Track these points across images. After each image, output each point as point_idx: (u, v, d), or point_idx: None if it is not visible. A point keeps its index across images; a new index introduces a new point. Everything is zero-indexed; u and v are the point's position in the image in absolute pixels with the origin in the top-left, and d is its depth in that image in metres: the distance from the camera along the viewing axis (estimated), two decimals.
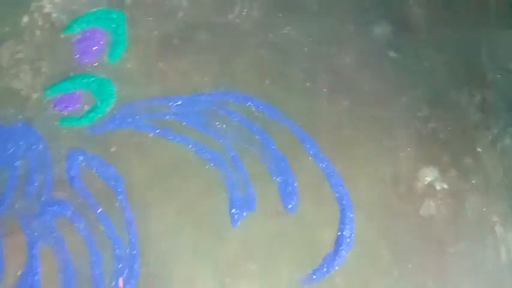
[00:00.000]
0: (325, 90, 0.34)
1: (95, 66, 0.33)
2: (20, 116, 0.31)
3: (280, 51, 0.35)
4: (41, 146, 0.31)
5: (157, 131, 0.32)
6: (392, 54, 0.36)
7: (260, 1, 0.36)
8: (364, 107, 0.34)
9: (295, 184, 0.32)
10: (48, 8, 0.35)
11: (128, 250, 0.29)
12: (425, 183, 0.33)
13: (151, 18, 0.35)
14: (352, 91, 0.34)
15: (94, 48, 0.34)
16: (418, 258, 0.31)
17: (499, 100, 0.36)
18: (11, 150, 0.30)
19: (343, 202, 0.31)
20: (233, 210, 0.30)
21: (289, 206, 0.31)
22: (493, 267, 0.31)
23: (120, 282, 0.28)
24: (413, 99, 0.35)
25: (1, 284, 0.27)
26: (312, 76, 0.35)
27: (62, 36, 0.34)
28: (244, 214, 0.31)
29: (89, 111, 0.32)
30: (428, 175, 0.33)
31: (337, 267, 0.30)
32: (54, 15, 0.34)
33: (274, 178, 0.32)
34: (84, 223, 0.29)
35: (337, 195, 0.32)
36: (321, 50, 0.35)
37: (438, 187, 0.33)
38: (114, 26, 0.34)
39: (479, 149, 0.34)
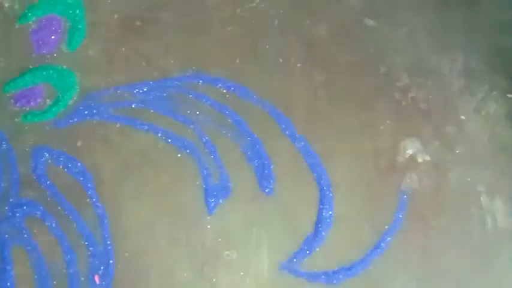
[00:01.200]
0: (299, 65, 0.33)
1: (55, 56, 0.32)
2: None
3: (250, 27, 0.34)
4: (4, 145, 0.30)
5: (123, 121, 0.31)
6: (368, 21, 0.35)
7: None
8: (340, 80, 0.33)
9: (271, 167, 0.31)
10: None
11: (102, 246, 0.29)
12: (407, 156, 0.32)
13: (110, 1, 0.34)
14: (327, 64, 0.33)
15: (52, 38, 0.33)
16: (402, 233, 0.31)
17: (482, 63, 0.35)
18: None
19: (322, 182, 0.31)
20: (209, 198, 0.30)
21: (267, 190, 0.31)
22: (479, 237, 0.31)
23: (97, 279, 0.28)
24: (392, 68, 0.34)
25: None
26: (284, 51, 0.34)
27: (17, 26, 0.33)
28: (221, 201, 0.30)
29: (52, 105, 0.31)
30: (410, 147, 0.32)
31: (317, 249, 0.30)
32: (6, 4, 0.33)
33: (249, 162, 0.31)
34: (55, 222, 0.29)
35: (315, 175, 0.31)
36: (293, 23, 0.34)
37: (420, 159, 0.32)
38: (71, 12, 0.33)
39: (463, 117, 0.33)
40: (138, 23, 0.34)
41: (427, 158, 0.32)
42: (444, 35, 0.35)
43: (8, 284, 0.27)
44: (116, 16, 0.34)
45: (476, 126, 0.33)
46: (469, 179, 0.32)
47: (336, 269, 0.30)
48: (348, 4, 0.35)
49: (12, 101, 0.31)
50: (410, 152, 0.32)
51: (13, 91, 0.31)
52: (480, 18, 0.36)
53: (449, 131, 0.33)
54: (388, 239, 0.30)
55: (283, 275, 0.29)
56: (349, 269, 0.30)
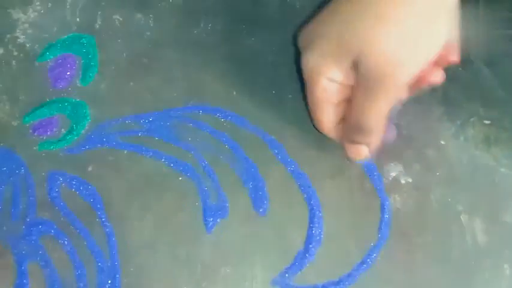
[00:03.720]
0: (290, 96, 0.38)
1: (69, 90, 0.37)
2: (2, 144, 0.35)
3: (246, 62, 0.39)
4: (23, 171, 0.34)
5: (130, 148, 0.35)
6: None
7: (223, 15, 0.40)
8: None
9: (265, 188, 0.35)
10: (21, 39, 0.38)
11: (109, 262, 0.32)
12: (390, 178, 0.36)
13: (120, 40, 0.39)
14: None
15: (67, 74, 0.37)
16: (387, 250, 0.34)
17: (460, 92, 0.39)
18: None
19: (312, 202, 0.35)
20: (207, 218, 0.34)
21: (260, 210, 0.34)
22: (460, 254, 0.34)
23: None
24: None
25: None
26: (277, 84, 0.38)
27: (37, 64, 0.38)
28: (218, 221, 0.34)
29: (66, 134, 0.35)
30: (393, 170, 0.36)
31: (308, 264, 0.33)
32: (28, 45, 0.38)
33: (245, 184, 0.35)
34: (67, 239, 0.33)
35: (305, 196, 0.35)
36: (284, 58, 0.39)
37: (403, 181, 0.36)
38: (84, 50, 0.38)
39: (442, 142, 0.37)
40: (144, 60, 0.38)
41: (409, 180, 0.36)
42: None
43: None
44: (124, 54, 0.38)
45: (455, 150, 0.37)
46: (449, 199, 0.35)
47: (324, 282, 0.33)
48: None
49: (30, 130, 0.36)
50: (393, 174, 0.36)
51: (32, 122, 0.36)
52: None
53: (430, 155, 0.37)
54: (374, 255, 0.34)
55: None
56: (338, 283, 0.33)
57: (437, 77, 0.32)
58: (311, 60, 0.31)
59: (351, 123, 0.31)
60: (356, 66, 0.29)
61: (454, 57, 0.32)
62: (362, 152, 0.33)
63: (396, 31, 0.28)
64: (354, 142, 0.33)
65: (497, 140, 0.37)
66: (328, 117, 0.33)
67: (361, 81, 0.29)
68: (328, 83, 0.31)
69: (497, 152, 0.37)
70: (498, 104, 0.38)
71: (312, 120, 0.34)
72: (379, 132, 0.32)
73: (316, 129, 0.35)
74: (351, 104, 0.31)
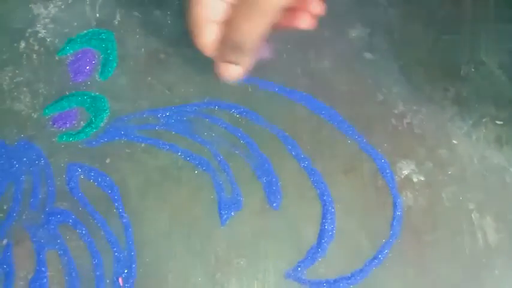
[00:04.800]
0: (304, 94, 0.39)
1: (89, 84, 0.38)
2: (22, 135, 0.36)
3: (260, 60, 0.39)
4: (42, 162, 0.35)
5: (148, 141, 0.36)
6: (368, 55, 0.40)
7: None
8: (342, 108, 0.38)
9: (278, 184, 0.36)
10: (42, 33, 0.39)
11: (126, 252, 0.33)
12: (403, 176, 0.36)
13: (138, 36, 0.40)
14: (329, 93, 0.39)
15: (87, 68, 0.38)
16: (398, 246, 0.35)
17: (473, 93, 0.39)
18: (16, 167, 0.35)
19: (324, 198, 0.35)
20: (222, 211, 0.35)
21: (274, 204, 0.35)
22: (470, 252, 0.35)
23: (120, 281, 0.32)
24: (389, 97, 0.39)
25: (14, 287, 0.32)
26: (291, 81, 0.39)
27: (57, 58, 0.39)
28: (232, 214, 0.35)
29: (85, 127, 0.36)
30: (405, 168, 0.37)
31: (320, 259, 0.34)
32: (48, 39, 0.39)
33: (259, 179, 0.36)
34: (85, 229, 0.34)
35: (318, 191, 0.36)
36: (299, 56, 0.40)
37: (415, 179, 0.36)
38: (104, 45, 0.39)
39: (454, 141, 0.38)
40: (162, 56, 0.39)
41: (422, 178, 0.37)
42: (437, 67, 0.40)
43: (43, 282, 0.32)
44: (142, 50, 0.39)
45: (467, 150, 0.38)
46: (460, 198, 0.36)
47: (337, 277, 0.34)
48: (349, 40, 0.41)
49: (50, 122, 0.37)
50: (405, 172, 0.37)
51: (51, 114, 0.37)
52: (471, 51, 0.41)
53: (442, 154, 0.37)
54: (386, 251, 0.34)
55: (288, 282, 0.33)
56: (349, 277, 0.33)
57: (305, 22, 0.33)
58: None
59: (227, 42, 0.32)
60: None
61: (317, 9, 0.33)
62: (235, 71, 0.33)
63: None
64: (228, 61, 0.33)
65: (509, 140, 0.38)
66: (208, 36, 0.32)
67: (241, 0, 0.30)
68: (212, 0, 0.31)
69: (509, 151, 0.37)
70: (510, 104, 0.39)
71: (191, 36, 0.33)
72: (252, 52, 0.32)
73: (195, 46, 0.34)
74: (226, 21, 0.31)
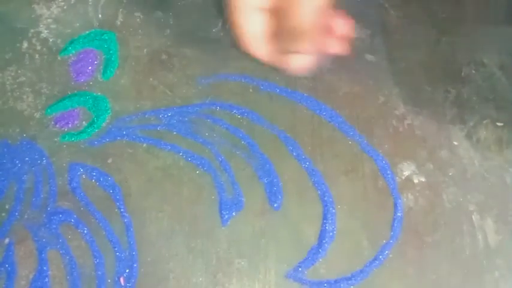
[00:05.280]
0: (305, 94, 0.39)
1: (91, 84, 0.38)
2: (25, 135, 0.36)
3: (262, 61, 0.40)
4: (44, 161, 0.36)
5: (149, 142, 0.36)
6: (369, 57, 0.40)
7: None
8: (343, 109, 0.38)
9: (280, 184, 0.36)
10: (45, 33, 0.40)
11: (127, 252, 0.33)
12: (403, 177, 0.37)
13: (140, 37, 0.40)
14: (331, 94, 0.39)
15: (89, 68, 0.38)
16: (399, 247, 0.35)
17: (473, 94, 0.40)
18: (18, 166, 0.35)
19: (325, 198, 0.35)
20: (223, 211, 0.35)
21: (275, 205, 0.35)
22: (471, 253, 0.35)
23: (122, 280, 0.33)
24: (390, 98, 0.39)
25: (15, 286, 0.32)
26: (292, 82, 0.39)
27: (59, 58, 0.39)
28: (233, 214, 0.35)
29: (87, 127, 0.37)
30: (406, 169, 0.37)
31: (321, 259, 0.34)
32: (51, 39, 0.39)
33: (260, 179, 0.36)
34: (87, 229, 0.34)
35: (319, 192, 0.36)
36: None
37: (416, 180, 0.37)
38: (106, 46, 0.39)
39: (455, 142, 0.38)
40: (164, 57, 0.39)
41: (422, 179, 0.37)
42: (437, 68, 0.40)
43: (44, 282, 0.32)
44: (145, 51, 0.40)
45: (468, 151, 0.38)
46: (461, 199, 0.36)
47: (337, 278, 0.34)
48: (351, 41, 0.41)
49: (52, 122, 0.37)
50: (406, 173, 0.37)
51: (54, 114, 0.37)
52: (472, 53, 0.41)
53: (443, 155, 0.38)
54: (386, 252, 0.35)
55: (289, 282, 0.33)
56: (350, 278, 0.34)
57: (335, 48, 0.32)
58: None
59: (283, 32, 0.29)
60: None
61: (344, 31, 0.32)
62: (303, 61, 0.31)
63: None
64: (292, 52, 0.31)
65: (510, 142, 0.38)
66: (252, 25, 0.30)
67: None
68: None
69: (509, 153, 0.37)
70: (511, 106, 0.39)
71: (235, 34, 0.31)
72: (312, 35, 0.29)
73: (244, 49, 0.32)
74: (278, 11, 0.29)
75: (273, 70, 0.39)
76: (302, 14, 0.28)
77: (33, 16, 0.40)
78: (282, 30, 0.29)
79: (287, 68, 0.31)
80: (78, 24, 0.40)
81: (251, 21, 0.30)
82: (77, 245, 0.33)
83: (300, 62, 0.31)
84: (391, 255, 0.34)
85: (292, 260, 0.34)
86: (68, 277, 0.33)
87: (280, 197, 0.35)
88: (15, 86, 0.38)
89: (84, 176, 0.35)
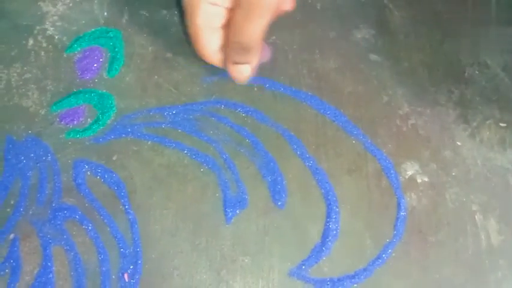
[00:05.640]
0: (309, 93, 0.39)
1: (96, 81, 0.38)
2: (30, 131, 0.36)
3: (263, 61, 0.40)
4: (49, 158, 0.36)
5: (154, 139, 0.36)
6: (373, 56, 0.41)
7: None
8: (347, 108, 0.38)
9: (284, 182, 0.36)
10: (50, 31, 0.40)
11: (131, 248, 0.33)
12: (407, 177, 0.37)
13: (145, 35, 0.40)
14: (335, 93, 0.39)
15: (94, 66, 0.39)
16: (402, 246, 0.35)
17: (477, 95, 0.40)
18: (23, 162, 0.35)
19: (329, 197, 0.36)
20: (227, 209, 0.35)
21: (279, 203, 0.35)
22: (474, 253, 0.35)
23: (126, 277, 0.33)
24: (394, 98, 0.39)
25: (20, 281, 0.32)
26: (296, 81, 0.39)
27: (65, 56, 0.39)
28: (237, 212, 0.35)
29: (92, 124, 0.37)
30: (409, 169, 0.37)
31: (324, 257, 0.34)
32: (57, 36, 0.40)
33: (264, 177, 0.36)
34: (91, 225, 0.34)
35: (323, 191, 0.36)
36: (305, 56, 0.40)
37: (419, 180, 0.37)
38: (111, 44, 0.39)
39: (458, 143, 0.38)
40: (168, 55, 0.40)
41: (425, 179, 0.37)
42: (441, 69, 0.40)
43: (49, 277, 0.32)
44: (150, 48, 0.40)
45: (471, 152, 0.38)
46: (464, 199, 0.36)
47: (340, 276, 0.34)
48: (355, 41, 0.41)
49: (57, 119, 0.37)
50: (409, 173, 0.37)
51: (59, 111, 0.37)
52: (475, 54, 0.41)
53: (446, 155, 0.38)
54: (389, 251, 0.35)
55: (292, 280, 0.33)
56: (353, 277, 0.34)
57: (287, 4, 0.34)
58: None
59: (232, 45, 0.33)
60: None
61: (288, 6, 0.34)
62: (245, 70, 0.35)
63: None
64: (236, 63, 0.34)
65: None
66: (211, 44, 0.34)
67: (240, 3, 0.30)
68: (209, 7, 0.33)
69: None
70: None
71: (194, 47, 0.35)
72: (258, 50, 0.33)
73: (200, 56, 0.36)
74: (230, 26, 0.32)
75: (278, 69, 0.39)
76: (250, 31, 0.31)
77: (39, 13, 0.40)
78: (232, 43, 0.33)
79: (232, 76, 0.35)
80: (83, 22, 0.40)
81: (209, 41, 0.34)
82: (81, 241, 0.33)
83: (245, 71, 0.35)
84: (394, 254, 0.35)
85: (296, 258, 0.34)
86: (72, 273, 0.33)
87: (284, 195, 0.36)
88: (21, 82, 0.38)
89: (89, 173, 0.35)
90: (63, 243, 0.33)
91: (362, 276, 0.34)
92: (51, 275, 0.32)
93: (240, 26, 0.31)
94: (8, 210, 0.34)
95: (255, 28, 0.31)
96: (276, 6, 0.30)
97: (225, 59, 0.35)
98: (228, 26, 0.33)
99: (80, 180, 0.35)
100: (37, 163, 0.35)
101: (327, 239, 0.35)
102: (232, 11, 0.32)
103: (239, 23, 0.31)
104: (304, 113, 0.38)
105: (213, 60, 0.35)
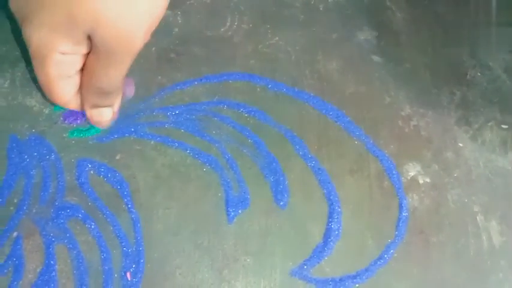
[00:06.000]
0: (312, 94, 0.39)
1: None
2: (33, 130, 0.37)
3: (270, 60, 0.40)
4: (53, 156, 0.36)
5: (157, 139, 0.37)
6: (375, 58, 0.41)
7: (249, 14, 0.42)
8: (349, 109, 0.39)
9: (286, 183, 0.36)
10: None
11: (134, 247, 0.34)
12: (409, 177, 0.37)
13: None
14: (337, 94, 0.39)
15: None
16: (404, 247, 0.35)
17: (479, 97, 0.40)
18: (27, 161, 0.35)
19: (331, 198, 0.36)
20: (229, 209, 0.35)
21: (281, 203, 0.35)
22: (475, 254, 0.35)
23: (128, 275, 0.33)
24: (396, 99, 0.39)
25: (23, 279, 0.32)
26: (299, 82, 0.39)
27: None
28: (240, 212, 0.35)
29: None
30: (411, 170, 0.37)
31: (326, 257, 0.34)
32: None
33: (266, 178, 0.36)
34: (94, 224, 0.34)
35: (325, 191, 0.36)
36: (308, 57, 0.40)
37: (421, 181, 0.37)
38: None
39: (460, 144, 0.38)
40: (172, 55, 0.40)
41: (427, 180, 0.37)
42: (443, 71, 0.41)
43: (51, 276, 0.32)
44: (153, 49, 0.40)
45: (473, 153, 0.38)
46: (465, 200, 0.37)
47: (342, 276, 0.34)
48: (357, 42, 0.41)
49: (61, 118, 0.37)
50: (411, 174, 0.37)
51: (62, 110, 0.37)
52: (477, 56, 0.41)
53: (448, 157, 0.38)
54: (391, 251, 0.35)
55: (294, 280, 0.33)
56: (355, 276, 0.34)
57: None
58: (38, 36, 0.27)
59: (90, 90, 0.31)
60: (89, 36, 0.27)
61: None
62: (106, 114, 0.34)
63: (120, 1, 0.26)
64: (96, 106, 0.33)
65: None
66: (66, 92, 0.31)
67: (98, 50, 0.28)
68: (61, 56, 0.29)
69: None
70: None
71: (47, 96, 0.32)
72: (120, 92, 0.33)
73: (52, 102, 0.33)
74: (86, 71, 0.30)
75: (280, 70, 0.40)
76: (111, 76, 0.30)
77: None
78: (90, 88, 0.31)
79: (92, 120, 0.34)
80: None
81: (63, 89, 0.31)
82: (84, 240, 0.34)
83: (106, 114, 0.34)
84: (396, 255, 0.35)
85: (298, 258, 0.34)
86: (74, 271, 0.33)
87: (286, 195, 0.36)
88: (25, 82, 0.38)
89: (92, 172, 0.35)
90: (66, 241, 0.33)
91: (364, 277, 0.34)
92: (54, 273, 0.32)
93: (98, 71, 0.29)
94: (11, 208, 0.34)
95: (114, 73, 0.29)
96: (137, 50, 0.29)
97: (83, 102, 0.33)
98: (85, 70, 0.30)
99: (83, 179, 0.35)
100: (40, 162, 0.36)
101: (329, 239, 0.35)
102: (88, 55, 0.29)
103: (97, 69, 0.29)
104: (306, 114, 0.38)
105: (71, 106, 0.33)
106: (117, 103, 0.34)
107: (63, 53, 0.28)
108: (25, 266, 0.32)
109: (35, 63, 0.29)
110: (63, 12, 0.26)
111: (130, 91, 0.37)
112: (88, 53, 0.29)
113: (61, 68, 0.29)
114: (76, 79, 0.31)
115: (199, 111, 0.38)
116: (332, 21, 0.42)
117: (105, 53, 0.28)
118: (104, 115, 0.34)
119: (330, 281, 0.34)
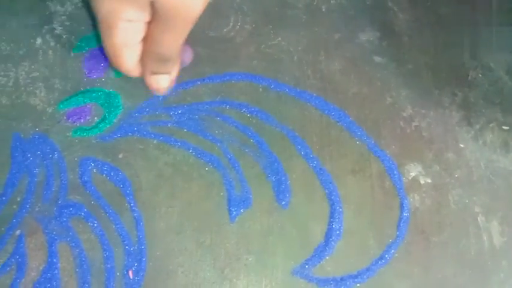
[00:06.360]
0: (314, 94, 0.39)
1: (103, 80, 0.39)
2: (37, 129, 0.37)
3: (272, 61, 0.40)
4: (56, 155, 0.36)
5: (160, 138, 0.37)
6: (377, 58, 0.41)
7: (252, 15, 0.42)
8: (351, 109, 0.39)
9: (288, 182, 0.36)
10: (58, 30, 0.40)
11: (136, 246, 0.34)
12: (410, 178, 0.37)
13: None
14: (339, 94, 0.39)
15: (101, 65, 0.39)
16: (405, 247, 0.35)
17: (480, 98, 0.40)
18: (30, 160, 0.36)
19: (333, 197, 0.36)
20: (231, 208, 0.35)
21: (283, 203, 0.36)
22: (476, 254, 0.35)
23: (130, 274, 0.33)
24: (397, 100, 0.39)
25: (26, 277, 0.32)
26: (301, 82, 0.39)
27: (72, 55, 0.39)
28: (242, 211, 0.35)
29: (99, 122, 0.37)
30: (413, 170, 0.37)
31: (327, 257, 0.34)
32: (64, 36, 0.40)
33: (268, 177, 0.36)
34: (97, 222, 0.34)
35: (327, 191, 0.36)
36: (310, 58, 0.40)
37: (422, 181, 0.37)
38: None
39: (461, 145, 0.38)
40: None
41: (429, 180, 0.37)
42: (445, 72, 0.41)
43: (54, 274, 0.32)
44: None
45: (474, 154, 0.38)
46: (466, 201, 0.37)
47: (343, 275, 0.34)
48: (359, 43, 0.41)
49: (64, 117, 0.37)
50: (413, 174, 0.37)
51: (66, 109, 0.38)
52: (479, 57, 0.41)
53: (449, 157, 0.38)
54: (392, 251, 0.35)
55: (296, 279, 0.34)
56: (356, 276, 0.34)
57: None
58: (106, 5, 0.30)
59: (151, 56, 0.32)
60: (151, 3, 0.29)
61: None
62: (164, 81, 0.35)
63: None
64: (155, 73, 0.34)
65: None
66: (130, 59, 0.33)
67: (158, 16, 0.29)
68: (127, 24, 0.31)
69: None
70: None
71: (113, 63, 0.34)
72: (177, 60, 0.34)
73: (116, 68, 0.34)
74: (147, 38, 0.31)
75: (283, 70, 0.40)
76: (169, 42, 0.31)
77: (47, 13, 0.41)
78: (151, 54, 0.32)
79: (150, 87, 0.35)
80: (91, 22, 0.40)
81: (128, 57, 0.33)
82: (86, 238, 0.34)
83: (163, 82, 0.35)
84: (397, 255, 0.35)
85: (299, 258, 0.34)
86: (77, 269, 0.33)
87: (288, 195, 0.36)
88: (29, 81, 0.38)
89: (95, 171, 0.36)
90: (68, 240, 0.34)
91: (365, 276, 0.34)
92: (56, 271, 0.33)
93: (159, 37, 0.31)
94: (15, 206, 0.34)
95: (174, 39, 0.31)
96: (196, 17, 0.30)
97: (143, 70, 0.34)
98: (146, 38, 0.32)
99: (86, 178, 0.35)
100: (44, 160, 0.36)
101: (330, 239, 0.35)
102: (150, 23, 0.31)
103: (158, 34, 0.30)
104: (308, 114, 0.38)
105: (133, 73, 0.34)
106: (174, 71, 0.35)
107: (129, 20, 0.30)
108: (28, 264, 0.33)
109: (102, 31, 0.32)
110: None
111: (188, 58, 0.38)
112: (150, 23, 0.31)
113: (126, 36, 0.31)
114: (139, 48, 0.33)
115: (202, 111, 0.38)
116: (334, 22, 0.42)
117: (166, 19, 0.29)
118: (162, 82, 0.35)
119: (331, 280, 0.34)
